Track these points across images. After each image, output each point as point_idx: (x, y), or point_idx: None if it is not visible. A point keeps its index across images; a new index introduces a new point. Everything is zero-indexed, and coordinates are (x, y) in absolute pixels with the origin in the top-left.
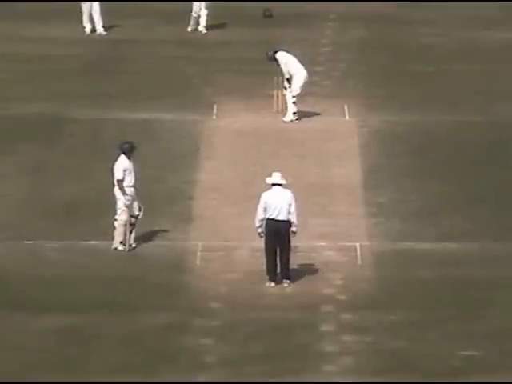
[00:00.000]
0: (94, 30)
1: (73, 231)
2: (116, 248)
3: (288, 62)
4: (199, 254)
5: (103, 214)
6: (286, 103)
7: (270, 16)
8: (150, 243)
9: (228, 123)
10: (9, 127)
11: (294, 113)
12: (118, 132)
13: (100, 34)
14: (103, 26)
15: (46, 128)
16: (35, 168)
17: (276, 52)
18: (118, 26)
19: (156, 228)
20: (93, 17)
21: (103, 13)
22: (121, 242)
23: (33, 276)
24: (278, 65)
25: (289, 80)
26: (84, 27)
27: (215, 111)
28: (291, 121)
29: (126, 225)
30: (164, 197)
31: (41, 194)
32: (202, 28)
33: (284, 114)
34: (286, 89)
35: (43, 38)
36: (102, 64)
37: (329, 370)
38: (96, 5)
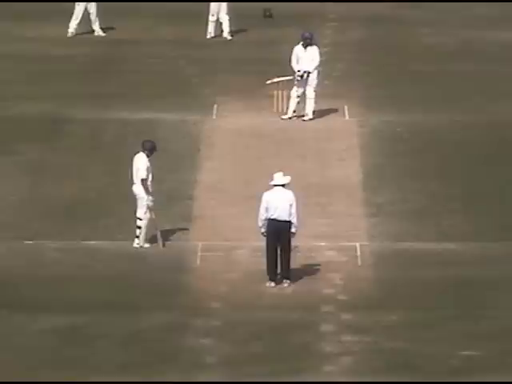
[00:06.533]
0: (92, 31)
1: (73, 231)
2: (142, 246)
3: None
4: (199, 254)
5: (103, 214)
6: (289, 102)
7: (270, 16)
8: (150, 243)
9: (228, 123)
10: (9, 127)
11: (294, 111)
12: (118, 132)
13: (98, 35)
14: (102, 28)
15: (46, 128)
16: (35, 168)
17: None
18: (118, 26)
19: None
20: (90, 19)
21: (105, 13)
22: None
23: (33, 276)
24: (312, 53)
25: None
26: (69, 28)
27: (215, 111)
28: (310, 119)
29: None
30: (164, 197)
31: (41, 194)
32: (226, 34)
33: (304, 114)
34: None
35: (43, 38)
36: (102, 64)
37: (329, 370)
38: (93, 6)
